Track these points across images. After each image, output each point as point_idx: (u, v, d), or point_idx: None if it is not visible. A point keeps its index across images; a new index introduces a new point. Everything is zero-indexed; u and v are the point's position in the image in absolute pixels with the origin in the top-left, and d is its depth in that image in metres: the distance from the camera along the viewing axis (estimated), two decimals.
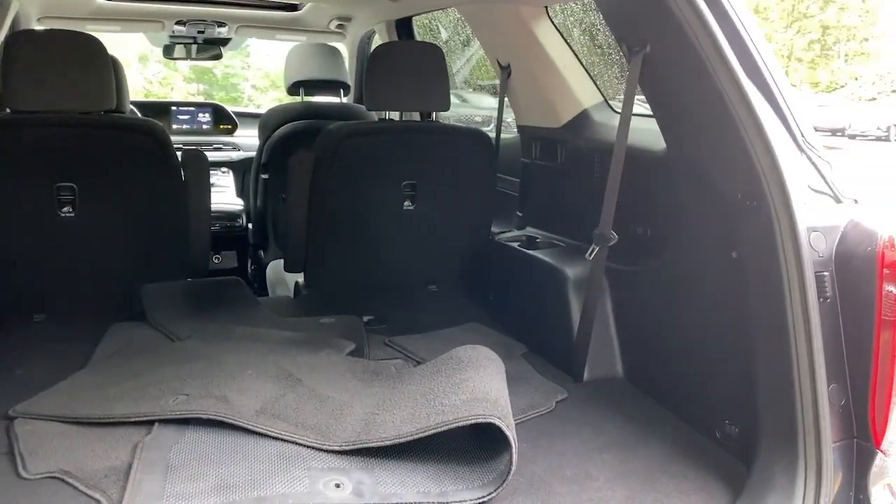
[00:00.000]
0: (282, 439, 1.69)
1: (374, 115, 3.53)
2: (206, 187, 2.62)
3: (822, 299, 1.58)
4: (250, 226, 4.05)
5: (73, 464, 1.59)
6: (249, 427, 1.70)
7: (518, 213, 2.96)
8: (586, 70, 2.67)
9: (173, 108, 4.57)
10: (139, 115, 4.33)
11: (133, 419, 1.74)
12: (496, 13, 2.75)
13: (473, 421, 1.60)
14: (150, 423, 1.74)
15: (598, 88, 2.69)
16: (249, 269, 4.11)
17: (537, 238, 2.70)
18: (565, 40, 2.67)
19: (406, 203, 2.82)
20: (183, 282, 2.59)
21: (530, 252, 2.53)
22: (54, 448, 1.65)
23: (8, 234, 2.39)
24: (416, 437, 1.63)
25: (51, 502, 1.49)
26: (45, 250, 2.46)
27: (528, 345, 2.44)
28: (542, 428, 1.92)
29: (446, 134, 2.89)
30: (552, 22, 2.67)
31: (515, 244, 2.66)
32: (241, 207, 4.05)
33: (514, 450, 1.56)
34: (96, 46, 2.38)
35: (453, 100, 3.86)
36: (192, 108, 4.62)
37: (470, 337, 2.40)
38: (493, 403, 1.65)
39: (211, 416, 1.72)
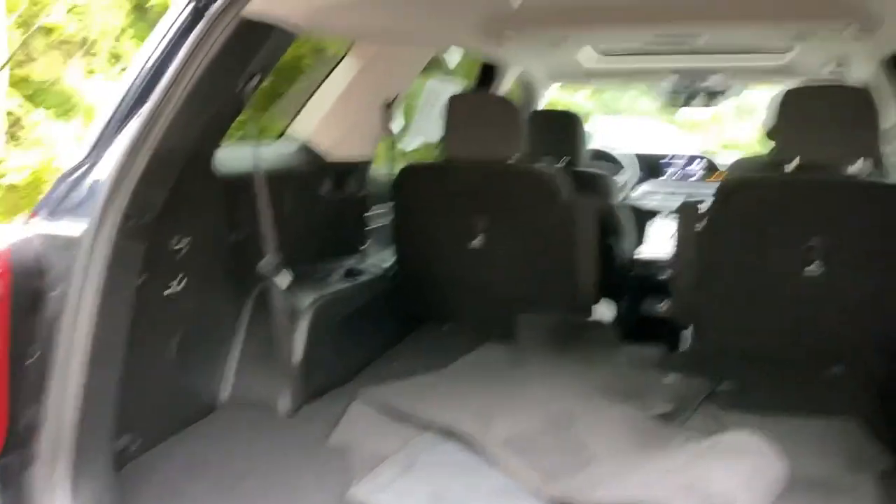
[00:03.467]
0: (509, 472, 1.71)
1: None
2: (592, 233, 2.71)
3: None
4: None
5: (355, 441, 1.92)
6: (482, 451, 1.78)
7: None
8: None
9: (662, 161, 4.72)
10: (636, 165, 4.65)
11: (417, 421, 1.99)
12: None
13: None
14: (427, 427, 1.96)
15: None
16: None
17: None
18: None
19: (810, 267, 2.41)
20: (554, 316, 2.73)
21: None
22: (355, 426, 2.01)
23: (433, 257, 2.91)
24: None
25: (323, 462, 1.83)
26: (459, 272, 2.90)
27: None
28: None
29: (868, 188, 2.36)
30: None
31: None
32: None
33: None
34: (506, 106, 2.75)
35: None
36: (680, 161, 4.72)
37: (826, 436, 1.94)
38: (703, 497, 1.38)
39: (462, 433, 1.85)
